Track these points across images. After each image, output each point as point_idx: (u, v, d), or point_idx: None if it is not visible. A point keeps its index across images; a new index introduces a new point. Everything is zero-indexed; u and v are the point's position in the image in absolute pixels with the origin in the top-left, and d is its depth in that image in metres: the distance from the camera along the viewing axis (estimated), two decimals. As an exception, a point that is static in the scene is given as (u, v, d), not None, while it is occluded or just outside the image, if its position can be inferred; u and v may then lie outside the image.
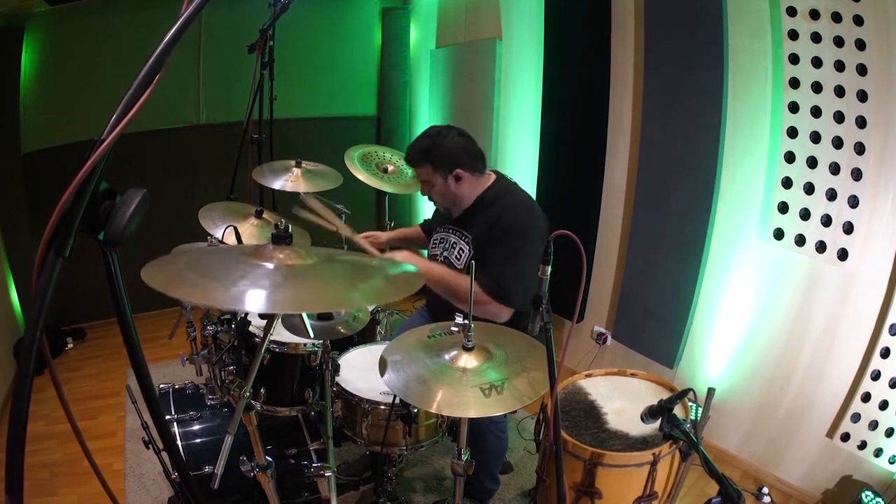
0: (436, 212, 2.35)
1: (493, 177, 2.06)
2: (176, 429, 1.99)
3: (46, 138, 3.32)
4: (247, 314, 1.88)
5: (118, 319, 0.69)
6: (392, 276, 1.20)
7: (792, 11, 2.10)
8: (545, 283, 1.27)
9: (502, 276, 1.82)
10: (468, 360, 1.42)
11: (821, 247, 2.18)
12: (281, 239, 1.06)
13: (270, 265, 1.03)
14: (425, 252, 2.26)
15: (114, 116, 0.57)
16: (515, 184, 2.10)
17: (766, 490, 2.35)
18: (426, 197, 2.09)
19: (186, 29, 0.62)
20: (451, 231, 2.08)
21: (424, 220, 2.49)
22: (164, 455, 1.82)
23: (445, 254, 2.06)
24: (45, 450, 2.53)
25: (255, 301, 0.94)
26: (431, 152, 1.95)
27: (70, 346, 3.53)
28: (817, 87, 2.09)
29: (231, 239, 1.92)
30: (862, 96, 1.99)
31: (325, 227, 1.98)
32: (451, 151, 1.95)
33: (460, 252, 2.01)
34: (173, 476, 1.80)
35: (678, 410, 1.46)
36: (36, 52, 3.25)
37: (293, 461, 1.98)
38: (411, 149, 2.01)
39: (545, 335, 1.27)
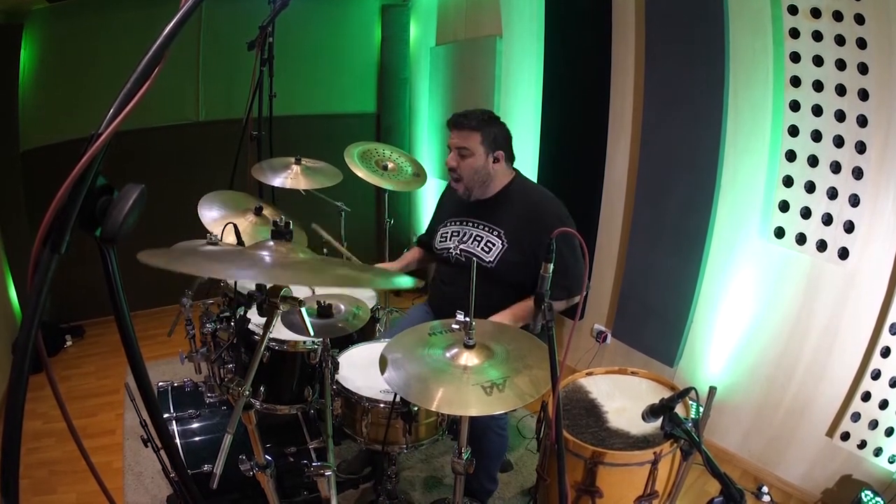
0: (435, 214, 2.34)
1: (514, 173, 2.12)
2: (175, 427, 1.99)
3: (45, 136, 3.31)
4: (246, 312, 1.87)
5: (115, 317, 0.68)
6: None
7: (793, 10, 2.10)
8: (547, 280, 1.27)
9: (575, 274, 1.90)
10: (469, 358, 1.42)
11: (821, 246, 2.17)
12: (281, 234, 1.05)
13: (267, 253, 1.03)
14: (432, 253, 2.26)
15: (111, 110, 0.57)
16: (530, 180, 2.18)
17: (765, 489, 2.35)
18: (449, 168, 2.04)
19: (185, 23, 0.61)
20: (470, 224, 2.08)
21: (419, 237, 2.43)
22: (163, 453, 1.81)
23: (463, 247, 2.05)
24: (43, 448, 2.52)
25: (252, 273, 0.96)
26: (486, 124, 2.00)
27: (69, 343, 3.52)
28: (818, 86, 2.09)
29: (230, 237, 1.91)
30: (863, 95, 1.98)
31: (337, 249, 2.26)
32: (502, 134, 2.04)
33: (489, 245, 2.01)
34: (172, 474, 1.79)
35: (678, 409, 1.45)
36: (35, 50, 3.24)
37: (293, 460, 1.97)
38: (466, 113, 2.01)
39: (547, 333, 1.26)
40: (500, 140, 2.02)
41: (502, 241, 1.99)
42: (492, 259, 1.99)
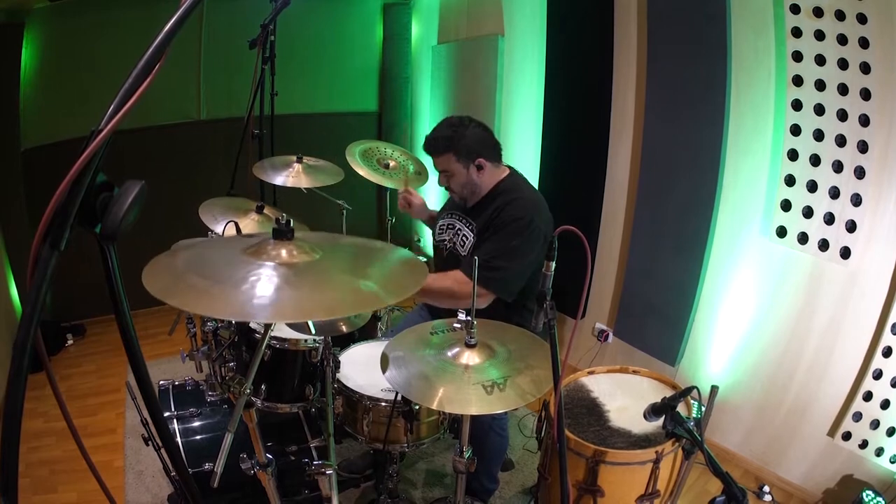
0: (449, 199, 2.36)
1: (507, 171, 2.09)
2: (176, 425, 1.99)
3: (46, 135, 3.30)
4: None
5: (116, 316, 0.68)
6: (397, 261, 1.17)
7: (795, 9, 2.09)
8: (549, 279, 1.26)
9: (491, 260, 1.85)
10: (471, 357, 1.42)
11: (823, 245, 2.17)
12: (282, 234, 1.04)
13: (272, 266, 0.98)
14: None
15: (111, 107, 0.56)
16: (526, 181, 2.12)
17: (767, 489, 2.34)
18: (443, 188, 2.09)
19: (186, 20, 0.60)
20: (457, 217, 2.10)
21: None
22: (164, 452, 1.81)
23: (455, 240, 2.07)
24: (44, 447, 2.52)
25: (262, 311, 0.89)
26: (454, 141, 1.96)
27: (70, 342, 3.52)
28: (820, 85, 2.08)
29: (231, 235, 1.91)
30: (865, 94, 1.97)
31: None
32: (474, 141, 1.97)
33: (464, 238, 2.03)
34: (173, 473, 1.79)
35: (680, 408, 1.45)
36: (36, 49, 3.24)
37: (294, 458, 1.97)
38: (432, 138, 2.00)
39: (549, 332, 1.26)
40: (474, 146, 1.96)
41: (473, 234, 2.01)
42: (465, 252, 2.02)
